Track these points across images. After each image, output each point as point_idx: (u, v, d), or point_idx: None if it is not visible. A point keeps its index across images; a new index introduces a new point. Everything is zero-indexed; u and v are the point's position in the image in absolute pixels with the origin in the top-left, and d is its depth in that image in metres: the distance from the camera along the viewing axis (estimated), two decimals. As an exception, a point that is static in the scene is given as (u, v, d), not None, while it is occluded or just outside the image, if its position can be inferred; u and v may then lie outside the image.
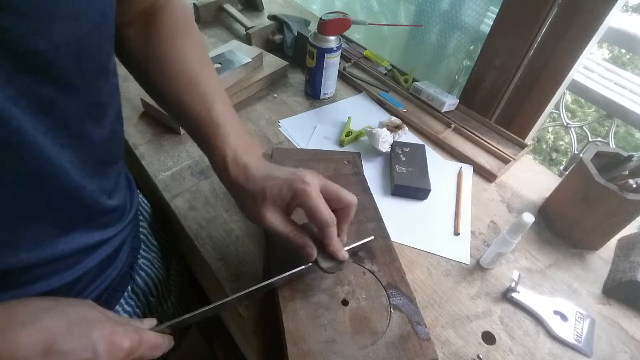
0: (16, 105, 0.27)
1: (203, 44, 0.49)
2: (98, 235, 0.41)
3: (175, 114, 0.48)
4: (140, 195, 0.59)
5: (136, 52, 0.46)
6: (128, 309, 0.50)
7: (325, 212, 0.40)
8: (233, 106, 0.48)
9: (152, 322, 0.41)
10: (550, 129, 2.25)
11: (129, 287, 0.51)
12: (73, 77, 0.30)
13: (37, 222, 0.34)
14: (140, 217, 0.58)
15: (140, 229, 0.57)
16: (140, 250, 0.55)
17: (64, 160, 0.33)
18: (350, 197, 0.43)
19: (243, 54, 0.82)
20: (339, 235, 0.43)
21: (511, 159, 0.73)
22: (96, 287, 0.43)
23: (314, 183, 0.41)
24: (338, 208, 0.43)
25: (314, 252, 0.42)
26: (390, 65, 0.95)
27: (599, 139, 1.38)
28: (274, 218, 0.41)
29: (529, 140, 0.82)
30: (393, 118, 0.75)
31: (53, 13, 0.26)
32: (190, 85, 0.45)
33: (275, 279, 0.44)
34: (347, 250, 0.45)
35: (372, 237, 0.50)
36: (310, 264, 0.44)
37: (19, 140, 0.28)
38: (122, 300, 0.49)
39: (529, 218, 0.50)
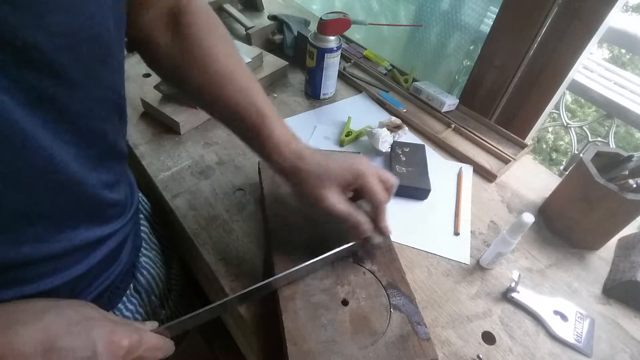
0: (12, 97, 0.27)
1: (230, 38, 0.51)
2: (100, 231, 0.41)
3: (214, 110, 0.50)
4: (140, 194, 0.59)
5: (167, 55, 0.47)
6: (131, 307, 0.50)
7: (382, 193, 0.46)
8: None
9: (153, 324, 0.41)
10: (550, 129, 2.24)
11: (131, 286, 0.51)
12: (71, 70, 0.30)
13: (39, 218, 0.34)
14: (141, 216, 0.58)
15: (142, 227, 0.57)
16: (142, 249, 0.55)
17: (64, 154, 0.33)
18: (394, 179, 0.48)
19: (243, 54, 0.82)
20: None
21: (511, 159, 0.73)
22: (99, 285, 0.44)
23: (370, 167, 0.46)
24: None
25: (369, 228, 0.46)
26: (390, 65, 0.95)
27: (599, 139, 1.38)
28: (335, 198, 0.45)
29: (529, 140, 0.82)
30: (393, 118, 0.75)
31: (48, 3, 0.26)
32: (228, 80, 0.47)
33: (328, 254, 0.47)
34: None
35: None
36: (350, 243, 0.48)
37: (17, 133, 0.28)
38: (124, 299, 0.49)
39: (529, 218, 0.50)
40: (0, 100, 0.27)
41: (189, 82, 0.48)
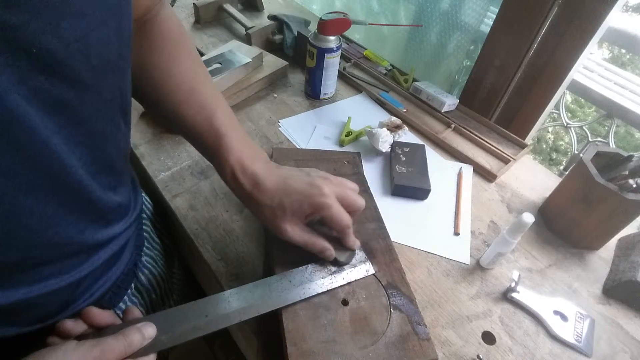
0: (30, 104, 0.27)
1: (196, 52, 0.49)
2: (105, 233, 0.41)
3: (175, 126, 0.48)
4: (142, 193, 0.60)
5: (133, 67, 0.45)
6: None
7: (345, 219, 0.43)
8: (232, 107, 0.48)
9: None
10: (550, 129, 2.25)
11: (133, 285, 0.51)
12: (83, 73, 0.30)
13: (48, 221, 0.34)
14: (143, 215, 0.58)
15: (144, 227, 0.57)
16: (144, 248, 0.55)
17: (74, 158, 0.33)
18: (359, 203, 0.46)
19: (243, 54, 0.82)
20: None
21: (511, 159, 0.73)
22: (101, 285, 0.44)
23: (331, 193, 0.43)
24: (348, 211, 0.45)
25: (333, 252, 0.46)
26: (390, 65, 0.95)
27: (599, 139, 1.38)
28: (293, 231, 0.44)
29: (529, 140, 0.82)
30: (393, 118, 0.75)
31: (61, 9, 0.26)
32: (188, 95, 0.45)
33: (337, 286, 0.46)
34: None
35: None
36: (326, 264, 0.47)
37: (33, 139, 0.28)
38: (125, 298, 0.49)
39: (529, 218, 0.50)
40: (22, 108, 0.27)
41: (150, 94, 0.46)
